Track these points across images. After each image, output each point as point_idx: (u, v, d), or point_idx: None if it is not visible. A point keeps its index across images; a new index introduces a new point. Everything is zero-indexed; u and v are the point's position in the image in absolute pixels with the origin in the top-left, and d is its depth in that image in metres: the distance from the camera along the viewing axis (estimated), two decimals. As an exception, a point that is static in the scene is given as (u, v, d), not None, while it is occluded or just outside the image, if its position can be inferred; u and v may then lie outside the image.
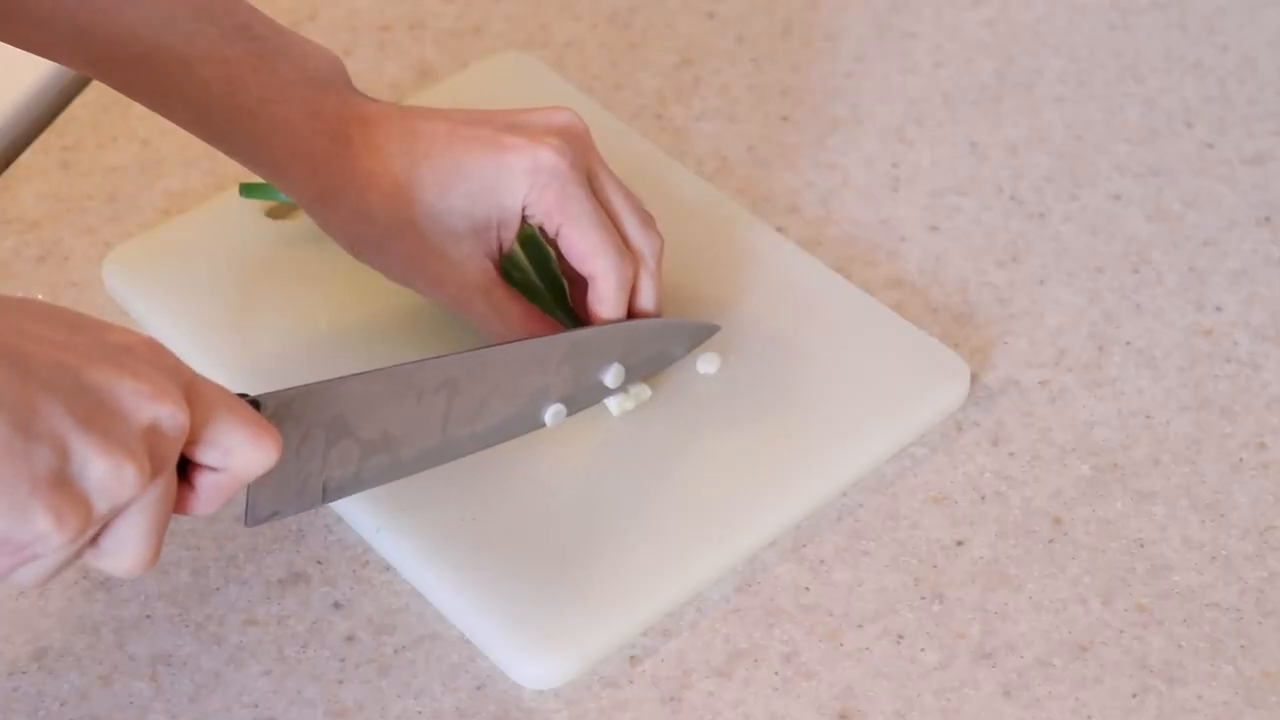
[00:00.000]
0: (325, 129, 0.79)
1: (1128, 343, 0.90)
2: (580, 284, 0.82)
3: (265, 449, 0.65)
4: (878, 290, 0.92)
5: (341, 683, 0.75)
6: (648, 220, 0.83)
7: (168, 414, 0.61)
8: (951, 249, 0.95)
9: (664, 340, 0.83)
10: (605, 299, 0.81)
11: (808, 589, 0.79)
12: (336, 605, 0.78)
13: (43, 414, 0.58)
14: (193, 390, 0.63)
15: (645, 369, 0.83)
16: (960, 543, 0.81)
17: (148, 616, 0.77)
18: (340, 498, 0.74)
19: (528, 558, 0.78)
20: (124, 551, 0.63)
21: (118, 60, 0.78)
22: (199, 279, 0.89)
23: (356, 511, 0.80)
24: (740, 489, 0.81)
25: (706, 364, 0.85)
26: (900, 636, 0.77)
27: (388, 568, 0.79)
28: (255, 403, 0.68)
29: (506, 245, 0.81)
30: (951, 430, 0.86)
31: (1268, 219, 0.97)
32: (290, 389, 0.69)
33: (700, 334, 0.85)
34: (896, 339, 0.87)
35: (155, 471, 0.62)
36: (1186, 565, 0.80)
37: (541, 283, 0.87)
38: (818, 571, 0.80)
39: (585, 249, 0.80)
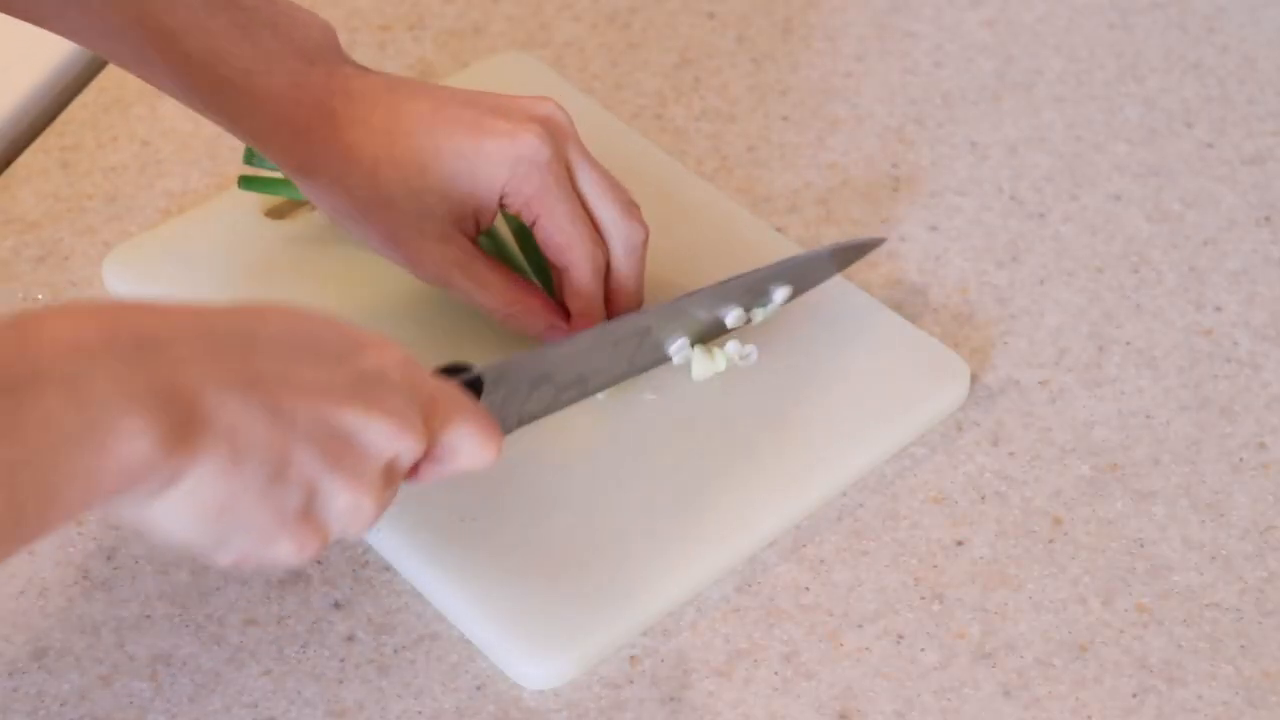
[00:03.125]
0: (309, 100, 0.79)
1: (1128, 342, 0.90)
2: (559, 270, 0.82)
3: (489, 453, 0.69)
4: (878, 290, 0.92)
5: (341, 682, 0.75)
6: (630, 209, 0.83)
7: (408, 449, 0.65)
8: (951, 249, 0.95)
9: (830, 260, 0.87)
10: (579, 291, 0.81)
11: (808, 589, 0.79)
12: (336, 605, 0.78)
13: (296, 462, 0.62)
14: (432, 404, 0.67)
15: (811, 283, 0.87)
16: (960, 543, 0.81)
17: (147, 616, 0.77)
18: (530, 423, 0.79)
19: (527, 558, 0.78)
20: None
21: (102, 30, 0.78)
22: (199, 279, 0.89)
23: (356, 511, 0.80)
24: (740, 488, 0.81)
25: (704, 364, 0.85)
26: (900, 636, 0.77)
27: (387, 568, 0.79)
28: (478, 379, 0.74)
29: (484, 226, 0.81)
30: (951, 430, 0.86)
31: (1267, 219, 0.97)
32: (508, 360, 0.76)
33: (865, 247, 0.88)
34: (897, 339, 0.87)
35: (389, 494, 0.66)
36: (1186, 565, 0.80)
37: (523, 253, 0.87)
38: (818, 571, 0.80)
39: (560, 242, 0.80)
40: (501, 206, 0.80)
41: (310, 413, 0.62)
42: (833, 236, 0.95)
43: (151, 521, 0.61)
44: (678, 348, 0.83)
